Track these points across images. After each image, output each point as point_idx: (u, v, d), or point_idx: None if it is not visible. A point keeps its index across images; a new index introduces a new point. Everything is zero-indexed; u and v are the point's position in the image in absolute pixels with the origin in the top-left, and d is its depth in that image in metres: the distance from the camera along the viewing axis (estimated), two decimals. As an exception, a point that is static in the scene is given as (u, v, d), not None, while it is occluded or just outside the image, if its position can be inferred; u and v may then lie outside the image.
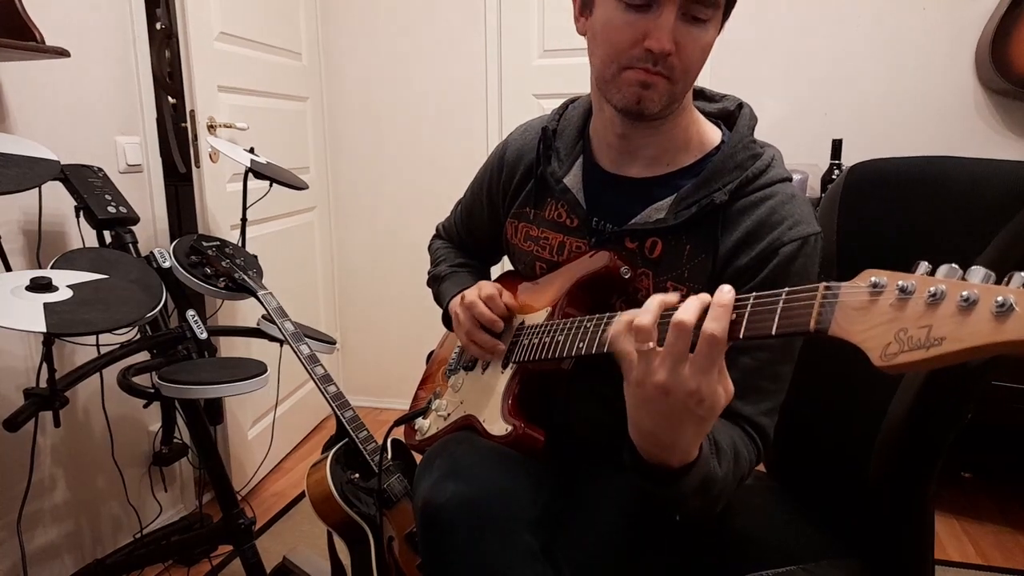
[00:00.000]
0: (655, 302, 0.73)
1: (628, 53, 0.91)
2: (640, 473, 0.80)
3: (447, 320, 1.23)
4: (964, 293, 0.48)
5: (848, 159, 2.36)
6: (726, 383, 0.71)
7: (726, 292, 0.69)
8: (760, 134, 1.02)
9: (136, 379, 1.52)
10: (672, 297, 0.74)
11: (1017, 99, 2.40)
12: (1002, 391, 2.04)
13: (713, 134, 1.03)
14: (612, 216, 1.03)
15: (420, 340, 2.83)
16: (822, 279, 0.63)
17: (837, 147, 2.37)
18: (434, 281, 1.33)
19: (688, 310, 0.69)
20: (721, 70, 2.58)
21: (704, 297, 0.70)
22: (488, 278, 1.35)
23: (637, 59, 0.90)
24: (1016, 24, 2.22)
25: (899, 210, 1.14)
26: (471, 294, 1.10)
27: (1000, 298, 0.46)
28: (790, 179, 0.98)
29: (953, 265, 0.51)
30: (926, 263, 0.54)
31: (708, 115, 1.07)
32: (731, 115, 1.05)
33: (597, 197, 1.06)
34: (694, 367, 0.69)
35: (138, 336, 1.69)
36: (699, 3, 0.87)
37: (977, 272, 0.49)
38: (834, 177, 2.34)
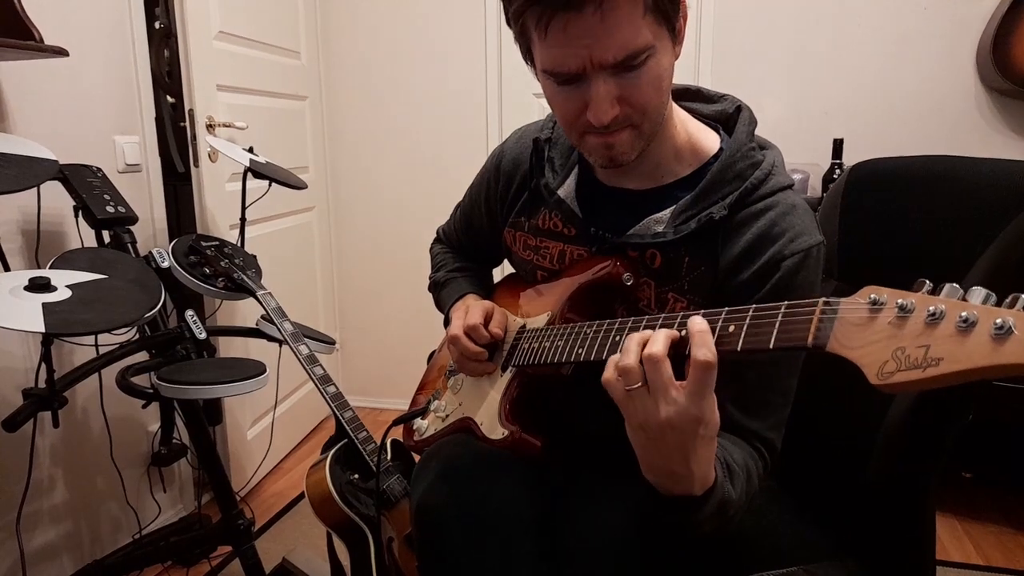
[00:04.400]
0: (634, 342, 0.73)
1: (578, 122, 0.90)
2: (660, 509, 0.80)
3: (448, 325, 1.23)
4: (963, 314, 0.48)
5: (849, 159, 2.35)
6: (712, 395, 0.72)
7: (700, 321, 0.69)
8: (760, 134, 1.00)
9: (135, 379, 1.52)
10: (648, 333, 0.74)
11: (1018, 98, 2.39)
12: (1002, 391, 2.04)
13: (710, 141, 1.00)
14: (610, 227, 1.02)
15: (419, 340, 2.82)
16: (824, 281, 0.63)
17: (838, 147, 2.36)
18: (434, 287, 1.32)
19: (657, 342, 0.71)
20: (721, 70, 2.57)
21: (672, 333, 0.72)
22: (490, 280, 1.35)
23: (589, 126, 0.88)
24: (1017, 24, 2.22)
25: (900, 210, 1.13)
26: (456, 326, 1.08)
27: (999, 320, 0.46)
28: (791, 185, 0.97)
29: (954, 285, 0.51)
30: (928, 281, 0.53)
31: (705, 117, 1.05)
32: (730, 118, 1.02)
33: (594, 208, 1.04)
34: (691, 395, 0.69)
35: (137, 336, 1.69)
36: (624, 62, 0.82)
37: (978, 293, 0.49)
38: (835, 177, 2.33)
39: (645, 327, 0.79)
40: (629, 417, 0.74)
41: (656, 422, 0.70)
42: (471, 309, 1.10)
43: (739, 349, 0.67)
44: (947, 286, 0.51)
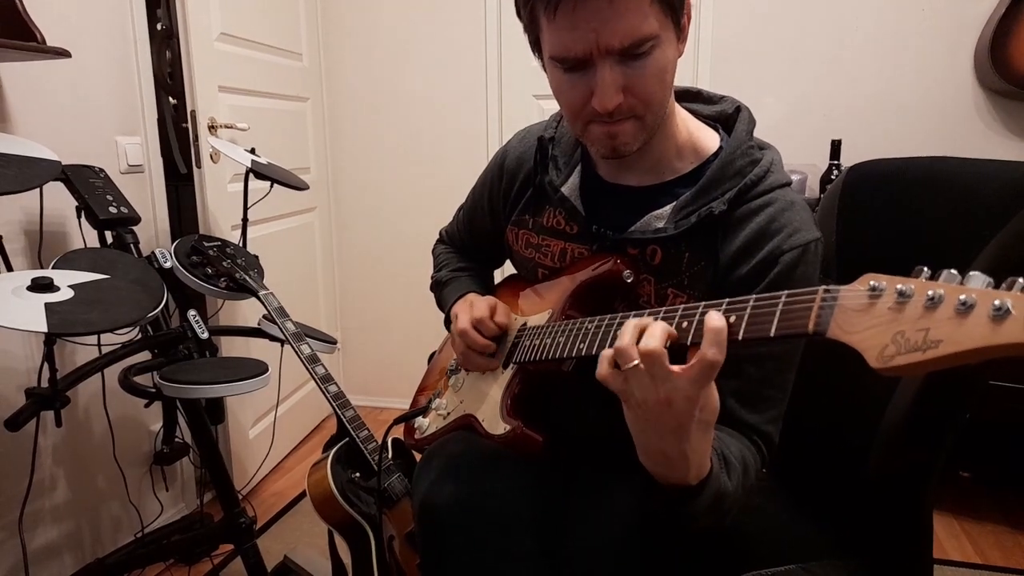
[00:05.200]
0: (629, 326, 0.74)
1: (583, 111, 0.91)
2: (655, 498, 0.81)
3: (449, 324, 1.24)
4: (962, 297, 0.49)
5: (847, 159, 2.36)
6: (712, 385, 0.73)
7: (718, 321, 0.69)
8: (759, 134, 1.01)
9: (137, 379, 1.52)
10: (646, 320, 0.75)
11: (1016, 99, 2.40)
12: (1002, 391, 2.04)
13: (710, 140, 1.01)
14: (612, 224, 1.03)
15: (420, 340, 2.83)
16: (822, 280, 0.63)
17: (836, 147, 2.37)
18: (436, 287, 1.33)
19: (654, 337, 0.71)
20: (721, 70, 2.58)
21: (669, 330, 0.73)
22: (492, 280, 1.35)
23: (594, 115, 0.90)
24: (1015, 25, 2.23)
25: (898, 210, 1.14)
26: (463, 320, 1.09)
27: (997, 302, 0.47)
28: (789, 183, 0.98)
29: (952, 271, 0.52)
30: (926, 268, 0.54)
31: (706, 118, 1.06)
32: (729, 118, 1.03)
33: (596, 205, 1.05)
34: (692, 382, 0.70)
35: (139, 336, 1.69)
36: (629, 48, 0.84)
37: (976, 277, 0.50)
38: (833, 177, 2.33)
39: None
40: (627, 398, 0.75)
41: (654, 399, 0.71)
42: (476, 304, 1.11)
43: (740, 339, 0.67)
44: (945, 272, 0.52)
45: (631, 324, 0.74)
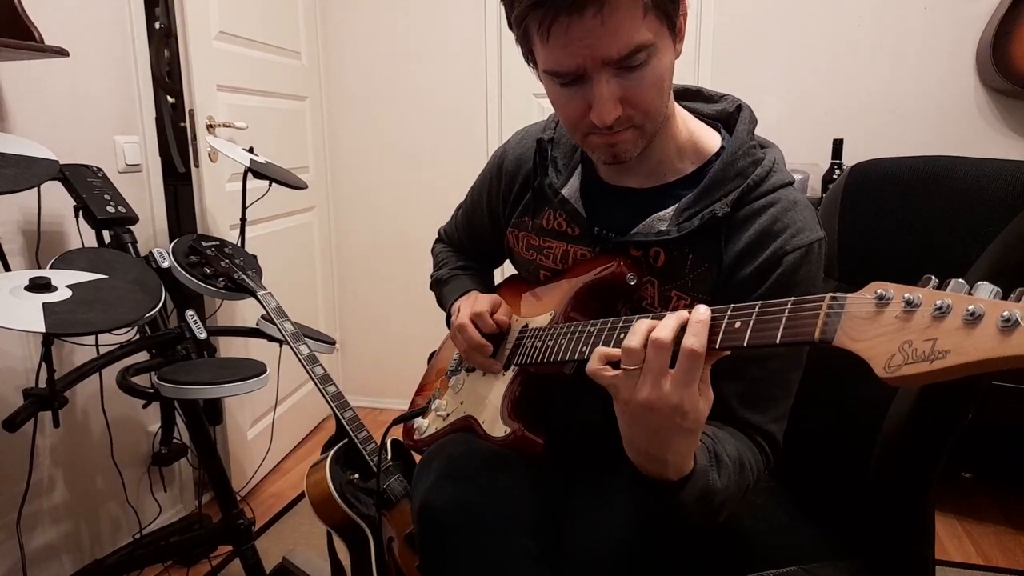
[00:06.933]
0: (643, 325, 0.74)
1: (581, 123, 0.90)
2: (641, 487, 0.81)
3: (450, 323, 1.23)
4: (970, 307, 0.48)
5: (849, 159, 2.35)
6: (707, 393, 0.73)
7: (702, 311, 0.70)
8: (760, 134, 1.00)
9: (135, 379, 1.52)
10: (656, 322, 0.74)
11: (1018, 99, 2.39)
12: (1003, 391, 2.04)
13: (711, 139, 1.01)
14: (613, 226, 1.02)
15: (420, 340, 2.83)
16: (824, 281, 0.63)
17: (838, 147, 2.37)
18: (436, 285, 1.32)
19: (666, 328, 0.71)
20: (721, 70, 2.57)
21: (682, 314, 0.72)
22: (492, 279, 1.35)
23: (592, 127, 0.89)
24: (1017, 24, 2.22)
25: (900, 210, 1.14)
26: (463, 314, 1.09)
27: (1006, 313, 0.46)
28: (792, 182, 0.97)
29: (960, 280, 0.51)
30: (934, 277, 0.53)
31: (706, 117, 1.05)
32: (730, 117, 1.03)
33: (597, 207, 1.05)
34: (675, 382, 0.70)
35: (137, 336, 1.69)
36: (625, 59, 0.83)
37: (984, 287, 0.49)
38: (835, 177, 2.33)
39: None
40: (615, 395, 0.75)
41: (637, 401, 0.72)
42: (478, 299, 1.11)
43: (745, 344, 0.67)
44: (953, 281, 0.52)
45: (644, 324, 0.74)
